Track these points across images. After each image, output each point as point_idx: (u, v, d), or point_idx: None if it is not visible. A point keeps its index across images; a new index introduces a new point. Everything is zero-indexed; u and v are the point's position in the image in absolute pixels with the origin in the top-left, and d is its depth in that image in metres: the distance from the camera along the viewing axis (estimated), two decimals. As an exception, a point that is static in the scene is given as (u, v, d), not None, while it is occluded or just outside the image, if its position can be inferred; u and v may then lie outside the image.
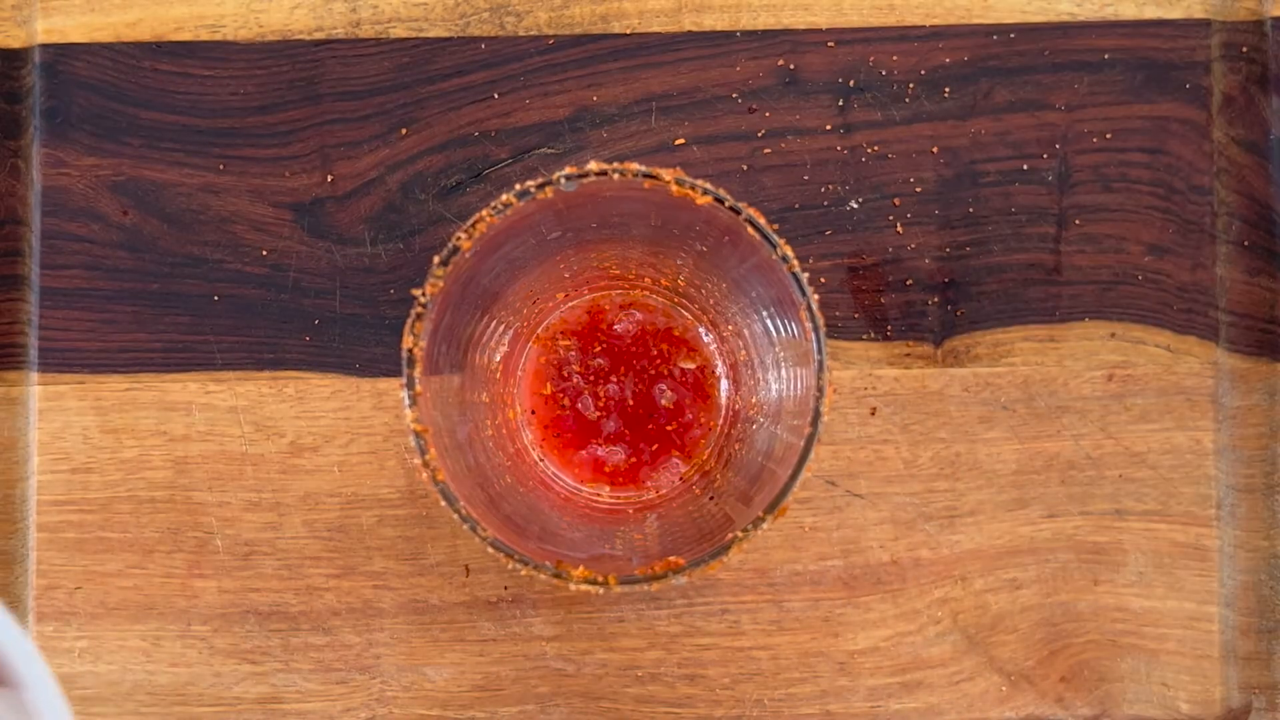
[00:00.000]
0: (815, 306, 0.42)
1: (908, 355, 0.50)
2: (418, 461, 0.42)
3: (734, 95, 0.50)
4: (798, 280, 0.42)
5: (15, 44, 0.51)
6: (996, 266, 0.50)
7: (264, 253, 0.50)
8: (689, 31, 0.50)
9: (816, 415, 0.42)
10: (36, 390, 0.50)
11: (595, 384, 0.49)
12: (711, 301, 0.48)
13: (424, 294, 0.42)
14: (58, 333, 0.50)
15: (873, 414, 0.50)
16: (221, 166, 0.50)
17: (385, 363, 0.50)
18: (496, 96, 0.50)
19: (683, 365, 0.49)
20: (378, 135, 0.50)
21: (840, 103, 0.50)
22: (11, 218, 0.50)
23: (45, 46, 0.50)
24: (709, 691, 0.50)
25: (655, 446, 0.49)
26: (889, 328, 0.50)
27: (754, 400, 0.47)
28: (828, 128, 0.50)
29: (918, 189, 0.50)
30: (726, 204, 0.42)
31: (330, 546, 0.50)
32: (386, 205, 0.50)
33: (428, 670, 0.49)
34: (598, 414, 0.49)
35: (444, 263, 0.42)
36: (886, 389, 0.50)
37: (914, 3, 0.50)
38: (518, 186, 0.42)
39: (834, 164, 0.50)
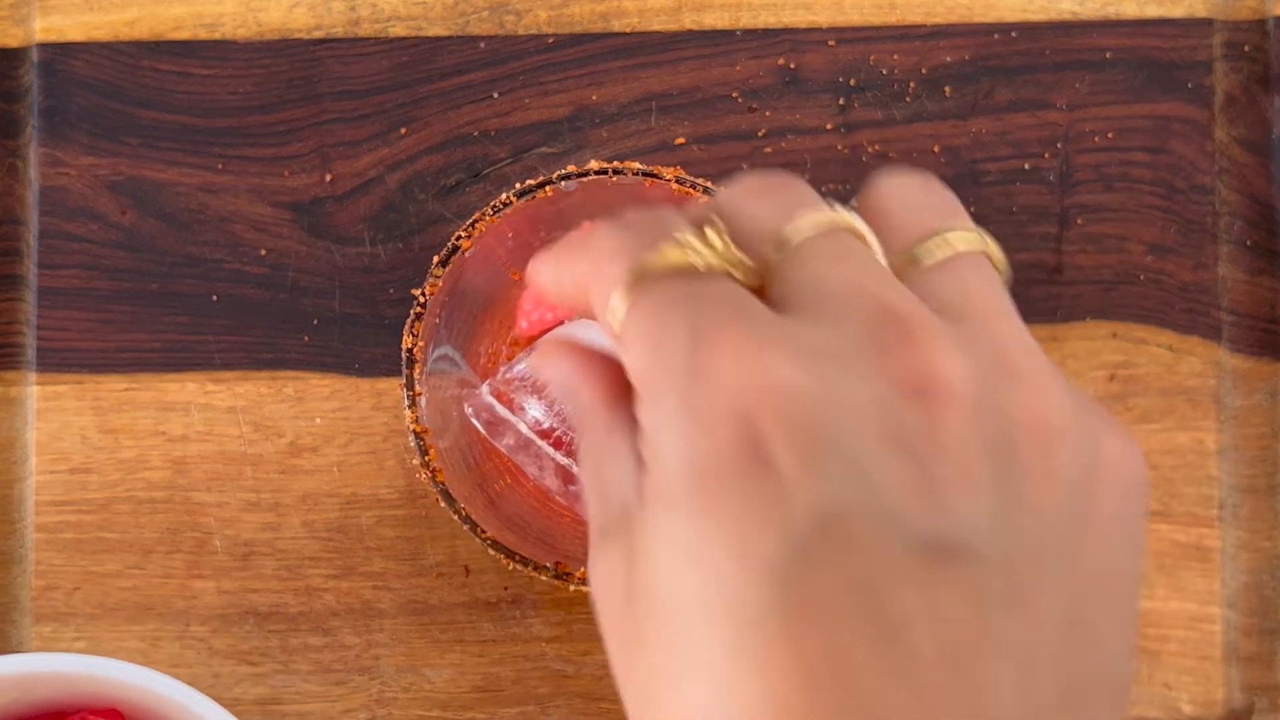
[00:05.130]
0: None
1: (909, 355, 0.50)
2: (417, 462, 0.42)
3: (734, 94, 0.50)
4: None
5: (13, 43, 0.50)
6: (998, 266, 0.50)
7: (263, 252, 0.50)
8: (689, 30, 0.50)
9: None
10: (34, 390, 0.50)
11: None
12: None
13: (424, 294, 0.42)
14: (56, 333, 0.50)
15: (874, 414, 0.50)
16: (220, 166, 0.50)
17: (385, 363, 0.50)
18: (496, 96, 0.50)
19: None
20: (377, 135, 0.50)
21: (841, 102, 0.50)
22: (9, 217, 0.50)
23: (43, 45, 0.50)
24: (709, 692, 0.49)
25: None
26: (890, 327, 0.50)
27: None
28: (828, 127, 0.50)
29: (919, 188, 0.50)
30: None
31: (329, 547, 0.50)
32: (386, 205, 0.50)
33: (427, 671, 0.49)
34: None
35: (444, 263, 0.42)
36: (887, 389, 0.50)
37: (915, 1, 0.50)
38: (518, 186, 0.42)
39: (835, 163, 0.50)
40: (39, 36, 0.50)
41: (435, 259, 0.42)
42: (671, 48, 0.50)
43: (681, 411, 0.25)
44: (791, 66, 0.50)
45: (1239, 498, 0.50)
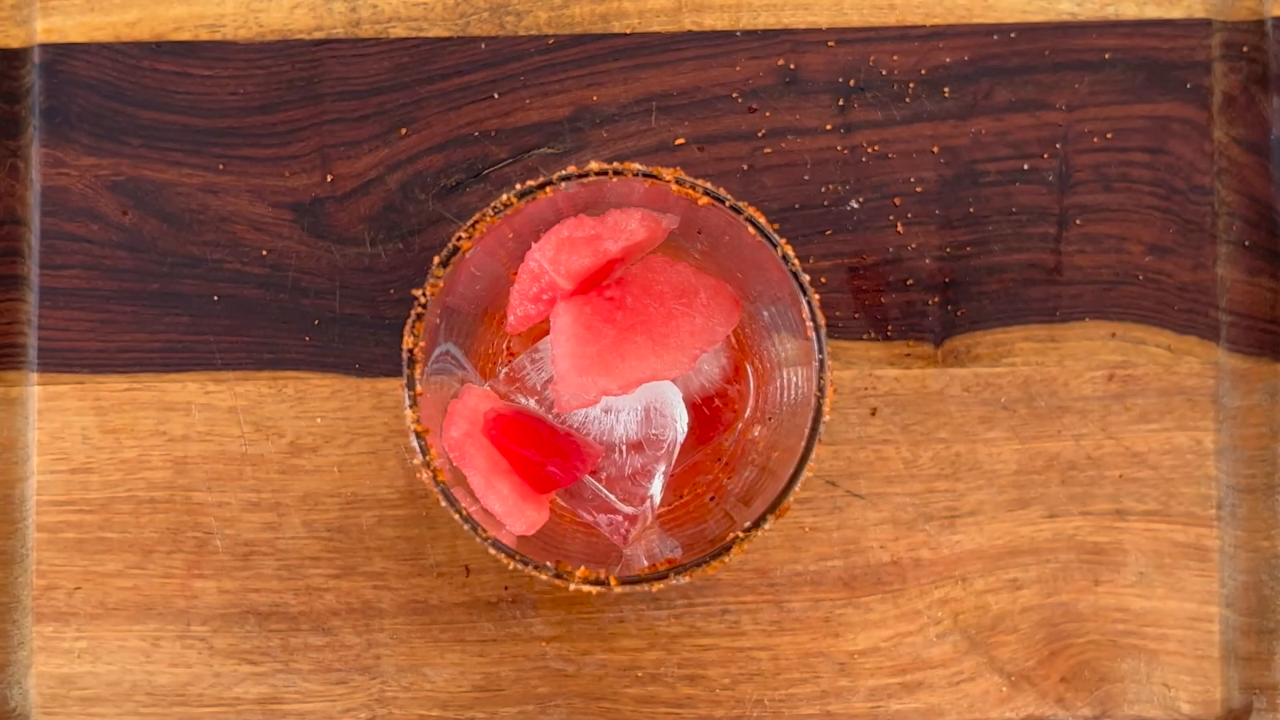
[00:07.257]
0: (816, 306, 0.42)
1: (908, 355, 0.50)
2: (418, 462, 0.42)
3: (734, 95, 0.50)
4: (798, 280, 0.42)
5: (15, 44, 0.51)
6: (997, 266, 0.50)
7: (264, 253, 0.50)
8: (689, 31, 0.50)
9: (817, 415, 0.42)
10: (36, 390, 0.50)
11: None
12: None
13: (424, 294, 0.42)
14: (57, 333, 0.50)
15: (873, 414, 0.50)
16: (221, 166, 0.50)
17: (385, 363, 0.50)
18: (496, 96, 0.50)
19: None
20: (377, 135, 0.50)
21: (840, 102, 0.50)
22: (11, 218, 0.50)
23: (45, 46, 0.50)
24: (709, 692, 0.49)
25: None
26: (889, 328, 0.50)
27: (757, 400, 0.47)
28: (828, 127, 0.50)
29: (918, 189, 0.50)
30: (727, 204, 0.42)
31: (330, 547, 0.50)
32: (386, 205, 0.50)
33: (428, 670, 0.49)
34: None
35: (445, 263, 0.42)
36: (887, 389, 0.50)
37: (914, 2, 0.50)
38: (518, 186, 0.42)
39: (834, 164, 0.50)
40: (40, 37, 0.50)
41: (436, 259, 0.42)
42: (671, 49, 0.50)
43: None
44: (791, 67, 0.50)
45: (1237, 497, 0.50)
